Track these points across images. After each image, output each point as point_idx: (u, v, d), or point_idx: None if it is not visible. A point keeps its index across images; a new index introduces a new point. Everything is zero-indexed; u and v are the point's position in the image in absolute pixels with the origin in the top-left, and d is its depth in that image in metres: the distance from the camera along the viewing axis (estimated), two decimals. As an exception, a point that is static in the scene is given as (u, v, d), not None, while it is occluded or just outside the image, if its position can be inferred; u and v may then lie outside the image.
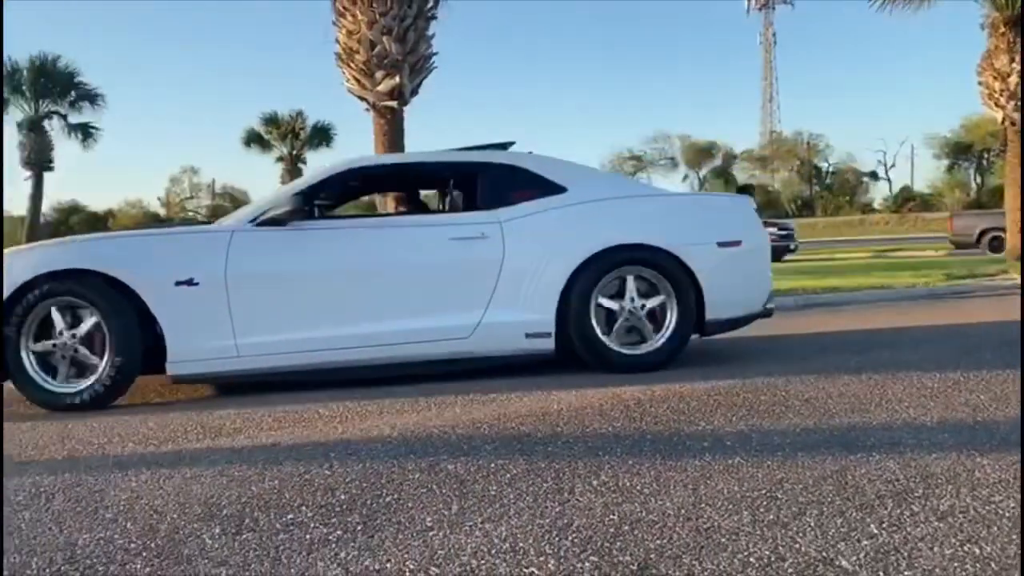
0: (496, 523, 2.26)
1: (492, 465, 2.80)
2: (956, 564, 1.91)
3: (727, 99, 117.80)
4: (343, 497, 2.52)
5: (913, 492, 2.41)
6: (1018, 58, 13.98)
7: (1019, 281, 10.41)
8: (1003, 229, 16.40)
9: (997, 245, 17.87)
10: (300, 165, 37.35)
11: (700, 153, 73.11)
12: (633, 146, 72.96)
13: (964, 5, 14.62)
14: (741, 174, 73.92)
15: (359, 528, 2.25)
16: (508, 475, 2.68)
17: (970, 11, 14.45)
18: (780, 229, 20.06)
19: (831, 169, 72.44)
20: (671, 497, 2.43)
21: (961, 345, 5.22)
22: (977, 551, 1.98)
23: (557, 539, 2.13)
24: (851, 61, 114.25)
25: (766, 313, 5.11)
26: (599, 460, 2.83)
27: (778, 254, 19.49)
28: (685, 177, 74.98)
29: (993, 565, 1.90)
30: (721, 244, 4.83)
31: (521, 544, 2.11)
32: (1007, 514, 2.21)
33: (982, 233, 19.00)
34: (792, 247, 20.27)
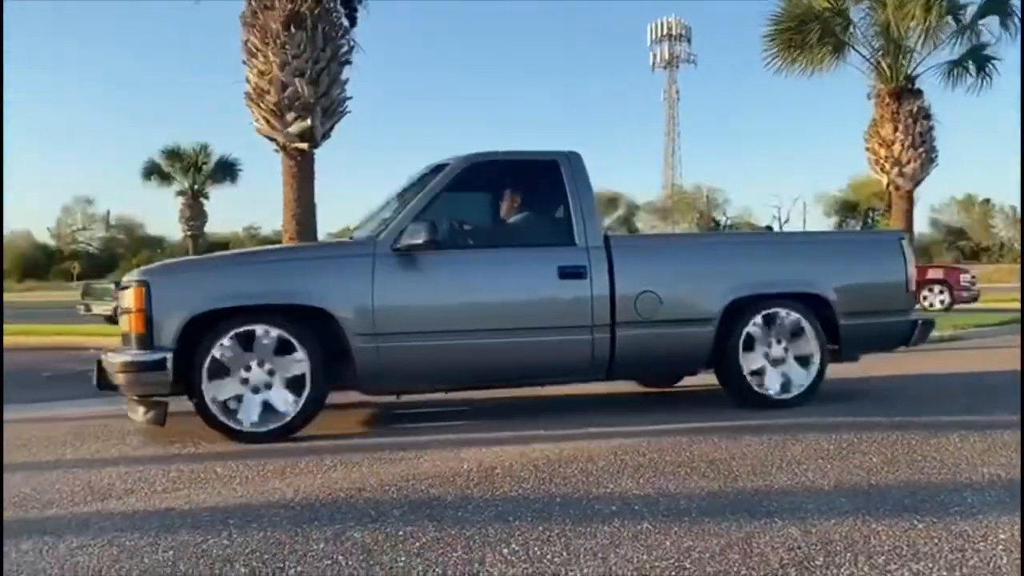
0: (404, 598, 2.20)
1: (400, 532, 2.73)
2: (857, 638, 1.95)
3: (634, 151, 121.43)
4: (243, 570, 2.41)
5: (814, 560, 2.47)
6: (901, 127, 14.93)
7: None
8: None
9: None
10: (202, 200, 36.38)
11: (605, 203, 74.98)
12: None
13: (854, 73, 15.55)
14: (643, 224, 76.19)
15: (260, 605, 2.15)
16: (417, 544, 2.62)
17: (859, 80, 15.37)
18: None
19: (729, 222, 75.38)
20: (581, 567, 2.42)
21: (838, 401, 5.43)
22: (876, 624, 2.03)
23: (467, 616, 2.08)
24: (749, 120, 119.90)
25: None
26: (509, 526, 2.80)
27: None
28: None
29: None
30: None
31: (431, 622, 2.05)
32: (903, 584, 2.29)
33: None
34: None
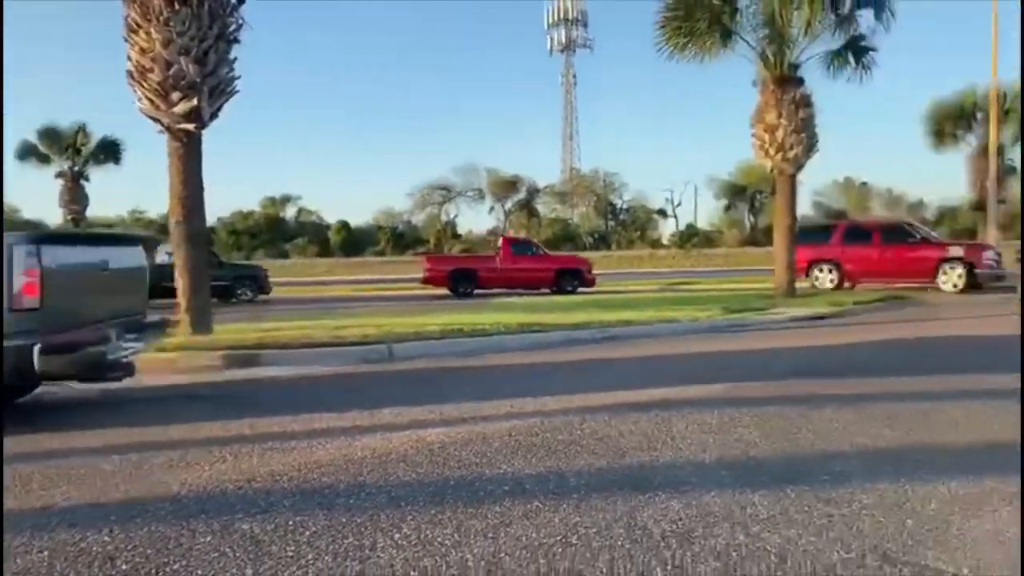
0: (293, 587, 2.19)
1: (290, 522, 2.71)
2: (730, 603, 2.07)
3: (534, 134, 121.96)
4: (124, 567, 2.34)
5: (693, 532, 2.59)
6: (784, 113, 15.59)
7: (789, 315, 11.53)
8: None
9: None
10: (83, 182, 34.67)
11: (505, 186, 75.17)
12: (446, 176, 73.65)
13: (741, 61, 16.09)
14: (544, 208, 76.84)
15: (142, 602, 2.10)
16: (308, 533, 2.61)
17: (746, 67, 16.00)
18: None
19: (624, 206, 76.93)
20: (471, 548, 2.47)
21: (730, 376, 5.66)
22: (748, 589, 2.16)
23: (357, 601, 2.09)
24: (644, 105, 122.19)
25: None
26: (402, 511, 2.82)
27: None
28: (491, 209, 76.73)
29: (761, 602, 2.08)
30: None
31: (319, 609, 2.05)
32: (773, 550, 2.43)
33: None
34: None
